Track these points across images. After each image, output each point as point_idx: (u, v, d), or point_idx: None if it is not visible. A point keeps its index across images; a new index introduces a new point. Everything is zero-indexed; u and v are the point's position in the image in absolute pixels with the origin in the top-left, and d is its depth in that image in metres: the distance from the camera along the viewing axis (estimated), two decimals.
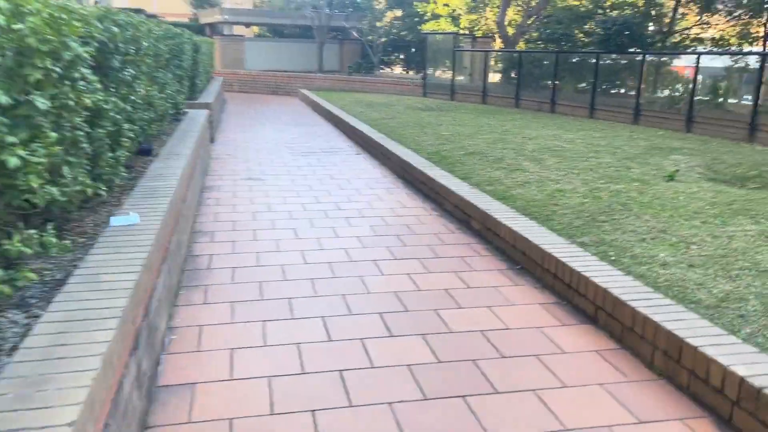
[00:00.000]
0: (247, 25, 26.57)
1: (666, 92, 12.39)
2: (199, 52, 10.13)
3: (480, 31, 19.08)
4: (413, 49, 23.05)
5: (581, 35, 17.39)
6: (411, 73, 23.38)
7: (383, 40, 24.28)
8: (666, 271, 3.30)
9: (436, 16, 19.16)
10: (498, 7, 17.97)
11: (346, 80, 19.47)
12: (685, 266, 3.40)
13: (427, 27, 19.16)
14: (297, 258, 4.06)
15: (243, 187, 6.35)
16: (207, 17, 24.87)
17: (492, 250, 4.33)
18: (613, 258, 3.52)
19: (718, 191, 5.48)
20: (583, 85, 13.82)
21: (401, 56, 25.23)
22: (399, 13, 24.05)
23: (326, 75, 20.33)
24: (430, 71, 17.56)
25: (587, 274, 3.20)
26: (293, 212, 5.30)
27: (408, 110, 13.15)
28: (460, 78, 16.99)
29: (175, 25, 23.56)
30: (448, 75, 16.94)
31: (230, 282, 3.60)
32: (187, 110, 8.50)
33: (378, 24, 24.55)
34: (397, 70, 25.19)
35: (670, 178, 5.93)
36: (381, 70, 24.61)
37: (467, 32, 18.47)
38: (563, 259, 3.44)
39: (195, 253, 4.10)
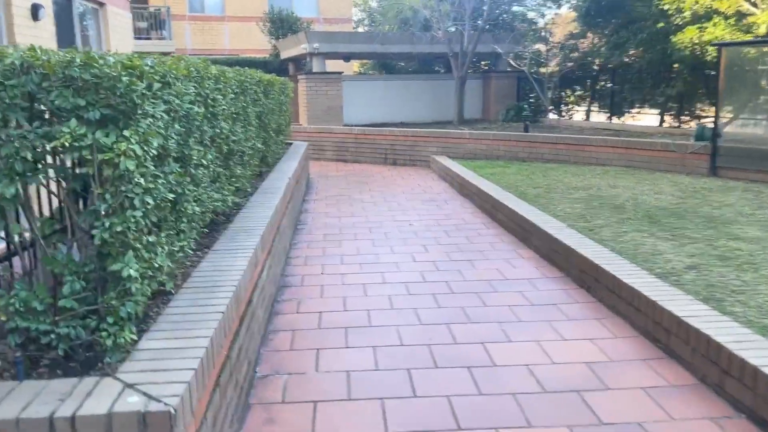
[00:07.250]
0: (347, 58, 18.58)
1: None
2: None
3: None
4: (611, 81, 14.10)
5: None
6: (612, 119, 14.31)
7: (556, 69, 15.40)
8: None
9: (700, 17, 10.00)
10: None
11: (522, 141, 10.75)
12: None
13: (684, 37, 10.04)
14: None
15: None
16: (289, 49, 17.08)
17: None
18: None
19: None
20: None
21: (579, 91, 16.26)
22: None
23: (480, 132, 11.68)
24: (723, 121, 8.40)
25: None
26: None
27: None
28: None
29: (250, 63, 16.09)
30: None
31: None
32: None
33: (546, 44, 15.75)
34: (577, 115, 16.19)
35: None
36: (554, 117, 15.74)
37: None
38: None
39: None
